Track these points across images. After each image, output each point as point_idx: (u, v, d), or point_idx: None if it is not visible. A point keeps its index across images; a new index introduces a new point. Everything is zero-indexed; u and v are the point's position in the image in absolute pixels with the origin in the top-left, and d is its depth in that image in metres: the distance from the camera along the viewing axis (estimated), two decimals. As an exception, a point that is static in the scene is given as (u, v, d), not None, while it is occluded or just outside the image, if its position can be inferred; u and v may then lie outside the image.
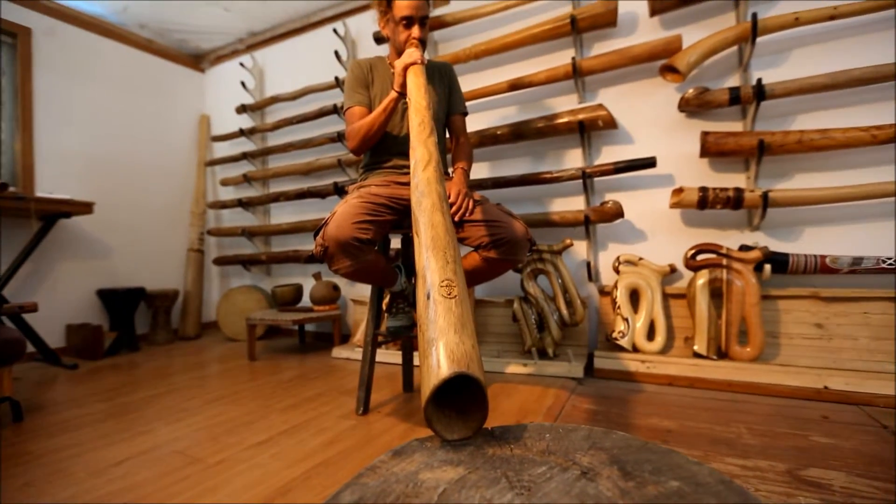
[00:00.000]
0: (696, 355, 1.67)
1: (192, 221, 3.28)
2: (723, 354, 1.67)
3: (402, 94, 1.31)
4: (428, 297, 0.61)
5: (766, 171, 1.76)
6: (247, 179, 3.06)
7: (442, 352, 0.54)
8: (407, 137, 1.48)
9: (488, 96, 2.21)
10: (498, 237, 1.27)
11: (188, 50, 3.39)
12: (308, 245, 2.91)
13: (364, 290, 2.70)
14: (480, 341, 2.14)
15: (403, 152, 1.48)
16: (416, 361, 1.83)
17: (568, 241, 1.96)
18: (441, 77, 1.53)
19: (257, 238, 3.11)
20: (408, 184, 1.43)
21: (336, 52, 2.62)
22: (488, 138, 2.18)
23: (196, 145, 3.43)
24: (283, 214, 3.10)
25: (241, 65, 3.18)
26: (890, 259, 1.52)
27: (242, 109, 3.12)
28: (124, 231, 2.95)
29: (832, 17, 1.59)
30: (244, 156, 3.08)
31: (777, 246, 1.75)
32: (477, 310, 2.19)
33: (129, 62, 3.06)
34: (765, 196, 1.65)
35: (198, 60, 3.49)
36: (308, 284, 2.83)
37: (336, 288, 2.61)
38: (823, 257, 1.61)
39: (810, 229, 1.72)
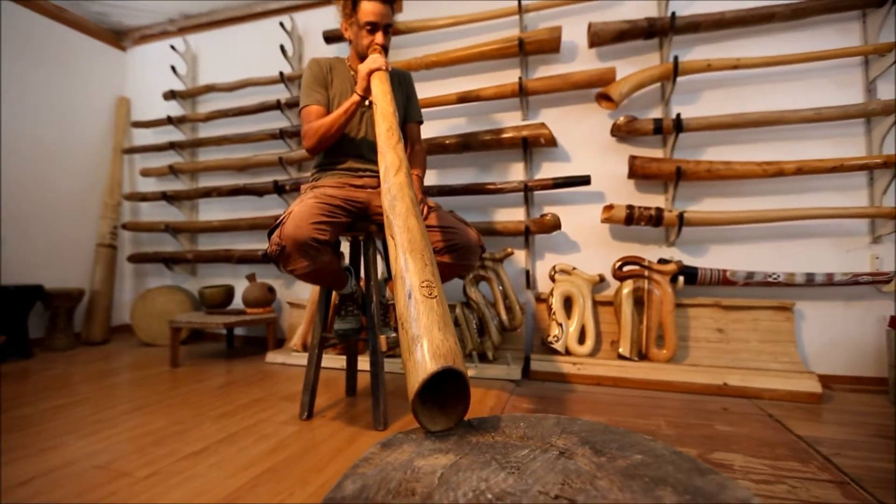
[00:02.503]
0: (621, 357, 1.84)
1: (105, 213, 2.95)
2: (643, 356, 1.85)
3: (364, 97, 1.32)
4: (409, 297, 0.63)
5: (682, 194, 2.00)
6: (173, 171, 2.82)
7: (427, 348, 0.57)
8: (363, 140, 1.49)
9: (438, 106, 2.27)
10: (452, 242, 1.32)
11: (108, 24, 3.07)
12: (241, 244, 2.76)
13: (301, 293, 2.61)
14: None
15: (359, 155, 1.48)
16: (360, 366, 1.82)
17: (509, 250, 2.07)
18: (400, 85, 1.56)
19: (182, 235, 2.88)
20: (362, 186, 1.44)
21: (282, 47, 2.53)
22: (436, 147, 2.24)
23: (112, 130, 3.11)
24: (212, 211, 2.91)
25: (172, 48, 2.94)
26: (775, 274, 1.80)
27: (172, 96, 2.89)
28: (20, 220, 2.59)
29: (735, 67, 1.87)
30: (171, 146, 2.85)
31: (688, 260, 1.99)
32: (420, 314, 2.21)
33: (34, 30, 2.70)
34: (680, 216, 1.88)
35: (119, 37, 3.17)
36: (240, 286, 2.68)
37: (271, 290, 2.50)
38: (725, 271, 1.86)
39: (714, 247, 1.98)
